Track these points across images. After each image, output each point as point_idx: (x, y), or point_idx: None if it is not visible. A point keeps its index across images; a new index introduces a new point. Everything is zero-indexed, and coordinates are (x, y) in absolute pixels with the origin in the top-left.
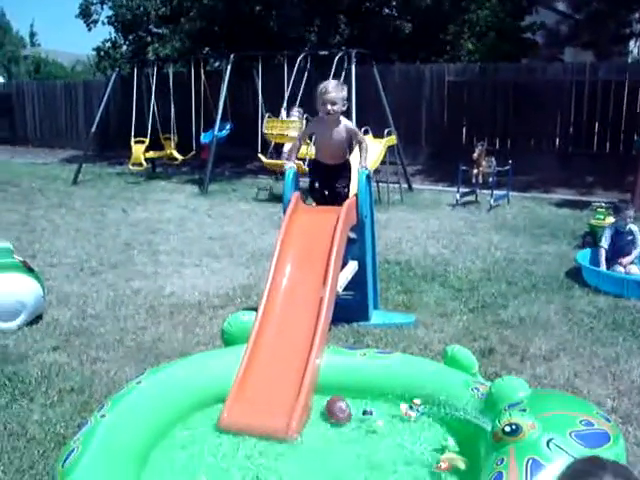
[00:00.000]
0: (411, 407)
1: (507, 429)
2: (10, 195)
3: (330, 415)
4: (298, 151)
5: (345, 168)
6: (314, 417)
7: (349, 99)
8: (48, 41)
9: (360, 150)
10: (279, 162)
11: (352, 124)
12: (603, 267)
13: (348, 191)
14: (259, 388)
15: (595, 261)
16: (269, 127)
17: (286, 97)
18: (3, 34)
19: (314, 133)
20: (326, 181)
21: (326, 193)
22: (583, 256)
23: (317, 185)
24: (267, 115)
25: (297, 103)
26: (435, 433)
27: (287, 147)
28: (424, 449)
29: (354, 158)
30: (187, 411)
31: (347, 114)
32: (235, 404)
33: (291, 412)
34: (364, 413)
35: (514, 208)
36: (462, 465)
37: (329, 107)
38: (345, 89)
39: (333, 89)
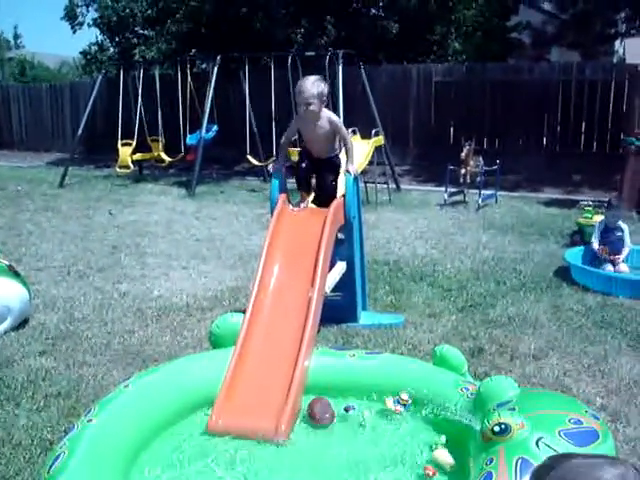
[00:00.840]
0: (398, 402)
1: (496, 429)
2: None
3: (313, 418)
4: (286, 150)
5: (334, 163)
6: (302, 418)
7: (335, 99)
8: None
9: (346, 152)
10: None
11: (336, 117)
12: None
13: (336, 185)
14: (248, 390)
15: (584, 259)
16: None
17: (273, 98)
18: None
19: (299, 130)
20: (314, 169)
21: (313, 181)
22: (571, 254)
23: (304, 165)
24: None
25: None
26: (424, 431)
27: None
28: (413, 447)
29: (342, 158)
30: (175, 414)
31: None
32: (223, 407)
33: (280, 414)
34: (346, 410)
35: (502, 207)
36: (448, 467)
37: (303, 108)
38: (322, 84)
39: (308, 88)
